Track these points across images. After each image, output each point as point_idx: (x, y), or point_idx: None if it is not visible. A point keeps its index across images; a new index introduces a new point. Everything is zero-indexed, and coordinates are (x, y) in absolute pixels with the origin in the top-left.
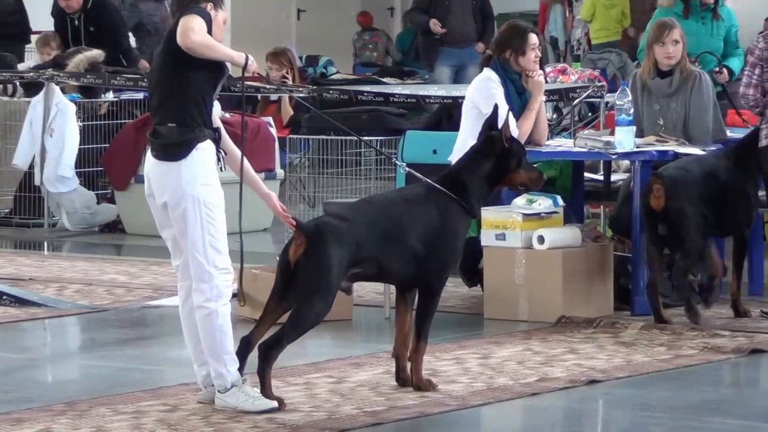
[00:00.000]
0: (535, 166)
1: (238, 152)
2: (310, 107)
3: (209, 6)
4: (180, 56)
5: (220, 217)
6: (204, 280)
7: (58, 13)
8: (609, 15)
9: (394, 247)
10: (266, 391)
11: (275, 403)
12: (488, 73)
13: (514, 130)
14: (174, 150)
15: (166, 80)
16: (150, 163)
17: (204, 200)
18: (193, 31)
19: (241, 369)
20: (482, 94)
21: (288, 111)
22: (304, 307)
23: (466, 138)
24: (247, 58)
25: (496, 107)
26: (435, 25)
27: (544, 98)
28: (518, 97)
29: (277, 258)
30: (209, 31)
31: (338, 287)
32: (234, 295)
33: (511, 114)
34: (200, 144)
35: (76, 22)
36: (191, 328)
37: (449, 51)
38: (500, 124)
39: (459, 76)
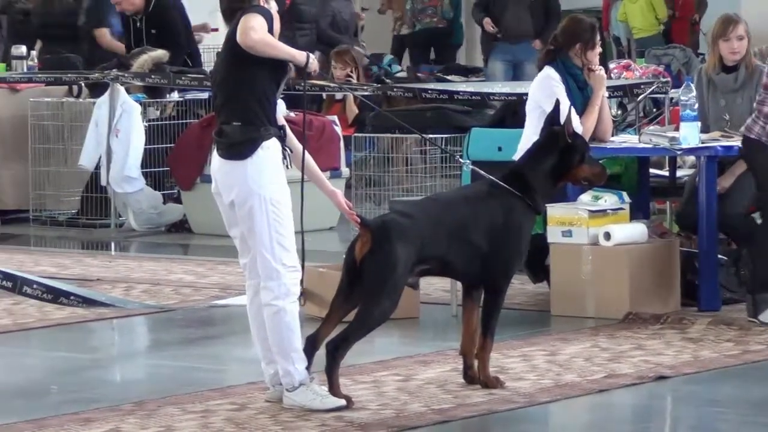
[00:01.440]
0: (598, 161)
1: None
2: (375, 106)
3: (262, 0)
4: (242, 55)
5: (287, 214)
6: (272, 278)
7: (121, 15)
8: (635, 11)
9: (458, 245)
10: (334, 389)
11: (343, 402)
12: (548, 71)
13: (577, 126)
14: (239, 149)
15: (229, 79)
16: (216, 163)
17: (271, 198)
18: (253, 30)
19: (308, 367)
20: (545, 92)
21: (353, 109)
22: (371, 305)
23: (530, 136)
24: (308, 57)
25: (557, 103)
26: (487, 24)
27: (606, 94)
28: (580, 93)
29: (343, 256)
30: (271, 28)
31: (404, 284)
32: (301, 294)
33: (573, 109)
34: (265, 142)
35: (138, 24)
36: (259, 327)
37: (503, 46)
38: (562, 120)
39: (515, 73)
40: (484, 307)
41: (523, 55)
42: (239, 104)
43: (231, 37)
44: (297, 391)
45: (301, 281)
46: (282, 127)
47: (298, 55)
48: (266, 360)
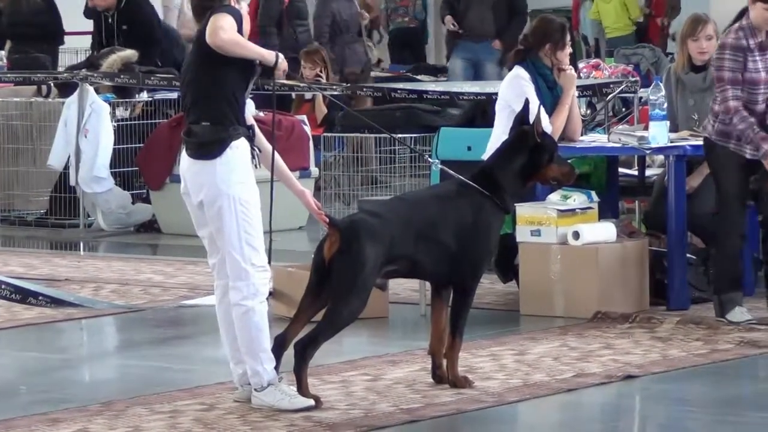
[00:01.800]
0: (567, 160)
1: (271, 150)
2: (343, 105)
3: (232, 0)
4: (210, 55)
5: (256, 214)
6: (241, 278)
7: (93, 11)
8: (608, 10)
9: (427, 244)
10: (303, 389)
11: (312, 401)
12: (518, 70)
13: (546, 126)
14: (209, 149)
15: (198, 79)
16: (185, 163)
17: (239, 198)
18: (222, 30)
19: (276, 367)
20: (514, 91)
21: (322, 109)
22: (340, 304)
23: (499, 135)
24: (277, 57)
25: (526, 102)
26: (448, 21)
27: (576, 93)
28: (549, 92)
29: (312, 256)
30: (240, 28)
31: (373, 284)
32: (270, 294)
33: (542, 109)
34: (234, 142)
35: (110, 20)
36: (228, 327)
37: (465, 44)
38: (531, 119)
39: (476, 72)
40: (452, 307)
41: (483, 55)
42: (208, 104)
43: (200, 37)
44: (265, 391)
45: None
46: (251, 127)
47: (267, 55)
48: (235, 360)
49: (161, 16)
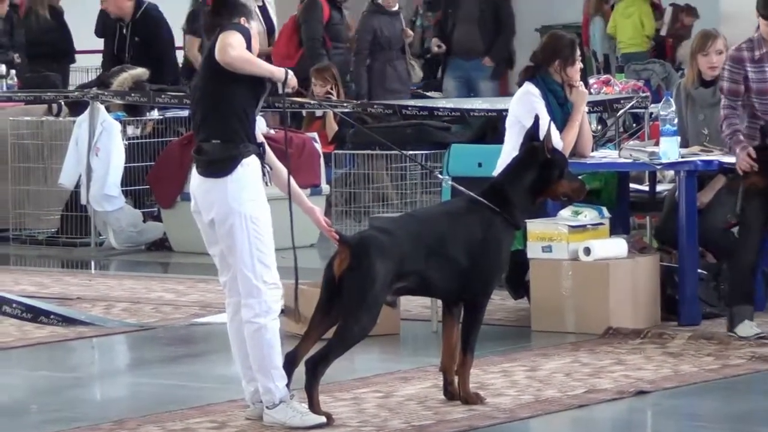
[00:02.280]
0: (578, 176)
1: (283, 168)
2: (354, 123)
3: (242, 20)
4: (220, 72)
5: (268, 232)
6: (253, 296)
7: (107, 22)
8: (626, 25)
9: (437, 261)
10: (314, 406)
11: (323, 419)
12: (528, 87)
13: (557, 142)
14: (219, 166)
15: (208, 97)
16: (196, 181)
17: (251, 216)
18: (231, 47)
19: (287, 385)
20: (525, 108)
21: (333, 126)
22: (350, 321)
23: (510, 152)
24: (287, 74)
25: (537, 118)
26: (434, 44)
27: (586, 109)
28: (560, 109)
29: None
30: (249, 46)
31: (383, 301)
32: (281, 311)
33: (553, 125)
34: (245, 159)
35: (124, 31)
36: (239, 345)
37: (456, 62)
38: (542, 135)
39: (469, 90)
40: (463, 323)
41: (474, 72)
42: (218, 121)
43: (209, 54)
44: (277, 409)
45: (296, 298)
46: (261, 144)
47: (277, 72)
48: (246, 378)
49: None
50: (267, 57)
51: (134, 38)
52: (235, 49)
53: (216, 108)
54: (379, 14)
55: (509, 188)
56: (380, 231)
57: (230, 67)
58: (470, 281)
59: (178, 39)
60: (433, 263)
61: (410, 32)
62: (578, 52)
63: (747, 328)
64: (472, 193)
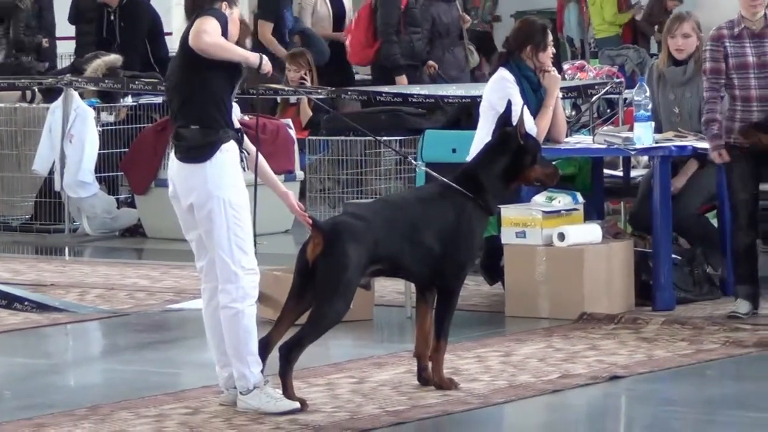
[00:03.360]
0: (551, 161)
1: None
2: (329, 109)
3: (224, 5)
4: (195, 58)
5: (246, 217)
6: (230, 281)
7: (82, 9)
8: (594, 12)
9: (411, 246)
10: (288, 392)
11: (297, 404)
12: (502, 72)
13: (531, 127)
14: (199, 152)
15: (184, 83)
16: (174, 166)
17: (230, 201)
18: (206, 33)
19: (261, 371)
20: (499, 94)
21: (307, 112)
22: (324, 306)
23: (483, 138)
24: (261, 59)
25: (509, 104)
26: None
27: (560, 95)
28: (534, 94)
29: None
30: (225, 31)
31: (357, 285)
32: (258, 297)
33: (526, 110)
34: (224, 145)
35: (112, 17)
36: (215, 330)
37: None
38: (515, 121)
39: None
40: (437, 309)
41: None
42: (196, 107)
43: (184, 41)
44: (251, 395)
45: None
46: (239, 130)
47: (252, 57)
48: (221, 363)
49: (295, 14)
50: (334, 44)
51: (121, 24)
52: (210, 35)
53: (193, 94)
54: (437, 1)
55: (482, 174)
56: (354, 216)
57: (204, 54)
58: (444, 266)
59: (167, 25)
60: (406, 248)
61: (468, 18)
62: (550, 38)
63: (739, 307)
64: (445, 179)
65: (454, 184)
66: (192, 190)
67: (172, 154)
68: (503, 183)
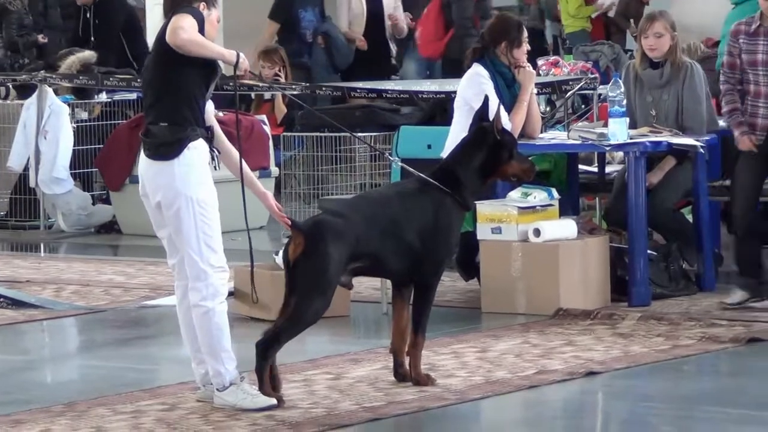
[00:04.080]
0: (527, 157)
1: (233, 151)
2: (303, 104)
3: (202, 5)
4: (171, 55)
5: (214, 215)
6: (200, 279)
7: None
8: (563, 5)
9: (390, 242)
10: (264, 388)
11: (274, 401)
12: (477, 68)
13: (506, 123)
14: (166, 149)
15: (157, 80)
16: (144, 164)
17: (197, 199)
18: (183, 29)
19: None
20: (473, 89)
21: (281, 109)
22: (304, 304)
23: (458, 133)
24: (238, 56)
25: (486, 99)
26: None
27: (535, 90)
28: (508, 90)
29: (274, 256)
30: (201, 30)
31: (337, 284)
32: (230, 293)
33: (502, 106)
34: (192, 143)
35: (88, 15)
36: (188, 327)
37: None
38: (491, 116)
39: (430, 73)
40: (414, 305)
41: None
42: (167, 104)
43: (161, 37)
44: (227, 391)
45: (252, 279)
46: (210, 128)
47: (228, 54)
48: (196, 360)
49: (328, 13)
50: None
51: (95, 21)
52: (186, 31)
53: (166, 91)
54: None
55: (459, 169)
56: (333, 214)
57: (180, 50)
58: (421, 262)
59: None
60: (385, 244)
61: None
62: (525, 34)
63: (733, 297)
64: (422, 175)
65: (432, 180)
66: (159, 188)
67: (142, 152)
68: (480, 178)
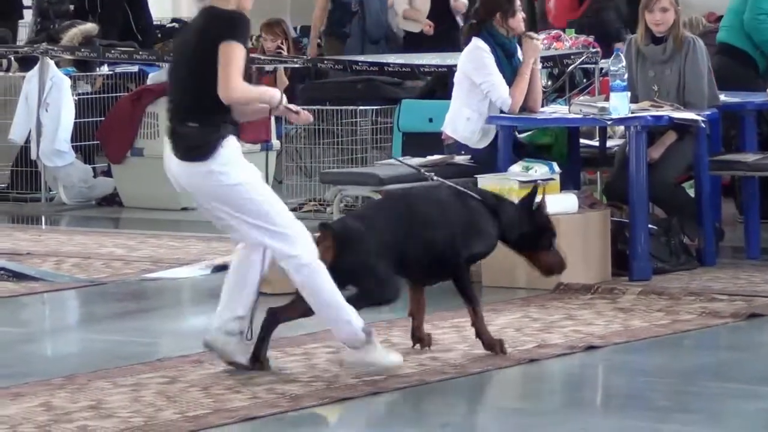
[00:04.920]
0: (560, 253)
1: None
2: (306, 77)
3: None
4: (205, 58)
5: (264, 189)
6: (287, 244)
7: None
8: None
9: (418, 246)
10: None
11: (401, 358)
12: (477, 42)
13: (506, 98)
14: (198, 151)
15: (191, 79)
16: (172, 162)
17: (242, 182)
18: (233, 89)
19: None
20: (474, 64)
21: (283, 81)
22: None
23: (459, 108)
24: (281, 97)
25: (534, 191)
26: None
27: (540, 65)
28: (508, 62)
29: None
30: (245, 41)
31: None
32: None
33: (503, 85)
34: (224, 141)
35: None
36: (235, 285)
37: None
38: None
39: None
40: (457, 287)
41: None
42: (199, 105)
43: (198, 39)
44: (365, 349)
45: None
46: (236, 123)
47: (270, 99)
48: (227, 310)
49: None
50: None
51: None
52: (237, 90)
53: (199, 92)
54: None
55: (505, 213)
56: (358, 218)
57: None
58: (447, 262)
59: None
60: (414, 247)
61: None
62: (518, 3)
63: None
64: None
65: (464, 189)
66: (200, 190)
67: (167, 150)
68: (513, 238)
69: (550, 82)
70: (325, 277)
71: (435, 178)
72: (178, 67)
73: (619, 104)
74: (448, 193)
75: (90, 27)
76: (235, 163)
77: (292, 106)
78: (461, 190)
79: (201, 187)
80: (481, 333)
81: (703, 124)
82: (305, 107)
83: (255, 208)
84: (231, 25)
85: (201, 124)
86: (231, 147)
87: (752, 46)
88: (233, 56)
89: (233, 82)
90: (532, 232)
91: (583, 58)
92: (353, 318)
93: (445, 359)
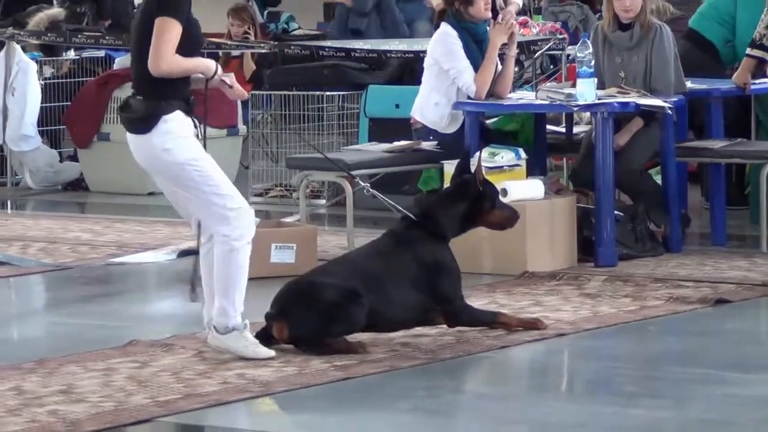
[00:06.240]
0: (509, 205)
1: None
2: (272, 62)
3: None
4: (147, 33)
5: (210, 165)
6: (223, 224)
7: None
8: None
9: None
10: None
11: (273, 353)
12: (445, 27)
13: (470, 84)
14: (141, 123)
15: (139, 51)
16: (128, 135)
17: (186, 159)
18: (163, 60)
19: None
20: (442, 49)
21: (250, 66)
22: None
23: (428, 93)
24: (216, 68)
25: (467, 152)
26: None
27: (517, 51)
28: (477, 47)
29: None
30: (183, 8)
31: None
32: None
33: (471, 72)
34: (166, 116)
35: None
36: (211, 277)
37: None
38: (473, 168)
39: (410, 30)
40: (462, 323)
41: (415, 14)
42: (142, 77)
43: (141, 16)
44: (230, 335)
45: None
46: (188, 100)
47: (205, 69)
48: (211, 303)
49: None
50: None
51: None
52: (165, 61)
53: (140, 65)
54: None
55: (440, 216)
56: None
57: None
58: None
59: None
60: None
61: None
62: None
63: None
64: (406, 212)
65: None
66: (147, 162)
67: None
68: (461, 226)
69: (517, 68)
70: (244, 259)
71: (370, 190)
72: (132, 36)
73: (586, 90)
74: (394, 243)
75: (56, 12)
76: (178, 138)
77: (227, 79)
78: (396, 232)
79: (147, 161)
80: (521, 327)
81: (669, 111)
82: (272, 92)
83: (194, 187)
84: (166, 1)
85: (144, 98)
86: (176, 122)
87: (721, 39)
88: (164, 29)
89: (162, 55)
90: (472, 205)
91: (550, 44)
92: (237, 308)
93: (416, 344)
